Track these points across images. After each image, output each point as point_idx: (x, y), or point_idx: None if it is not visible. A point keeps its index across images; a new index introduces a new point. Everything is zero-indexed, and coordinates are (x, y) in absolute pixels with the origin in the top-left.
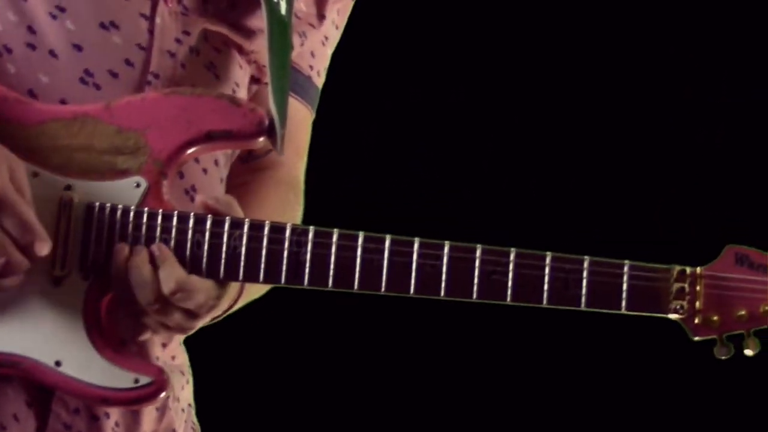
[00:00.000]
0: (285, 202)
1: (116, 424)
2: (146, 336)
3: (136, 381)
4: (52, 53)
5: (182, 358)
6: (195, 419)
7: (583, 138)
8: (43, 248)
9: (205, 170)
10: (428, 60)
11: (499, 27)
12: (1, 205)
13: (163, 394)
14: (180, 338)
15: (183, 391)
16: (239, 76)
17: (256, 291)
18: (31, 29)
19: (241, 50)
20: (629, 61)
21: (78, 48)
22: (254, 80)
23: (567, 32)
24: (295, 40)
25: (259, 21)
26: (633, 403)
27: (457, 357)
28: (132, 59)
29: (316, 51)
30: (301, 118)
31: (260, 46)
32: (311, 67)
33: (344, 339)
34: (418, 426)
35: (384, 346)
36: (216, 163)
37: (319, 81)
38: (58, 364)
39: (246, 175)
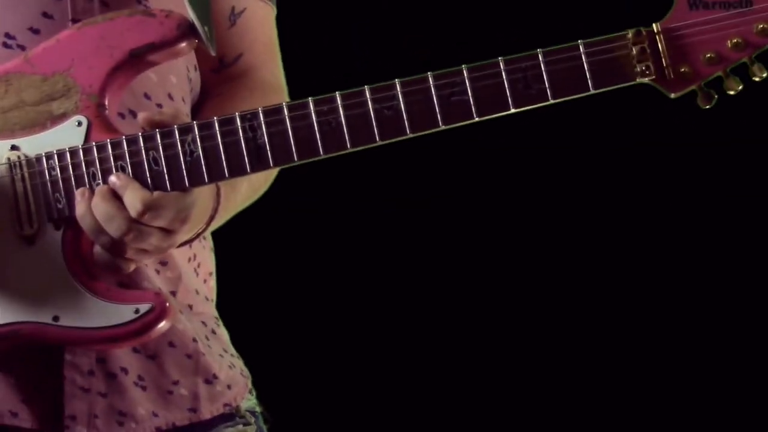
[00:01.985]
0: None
1: (139, 378)
2: (131, 268)
3: (137, 311)
4: None
5: (203, 307)
6: (244, 367)
7: None
8: None
9: (159, 105)
10: None
11: None
12: None
13: (167, 317)
14: (195, 285)
15: (210, 340)
16: None
17: (240, 201)
18: None
19: None
20: None
21: None
22: None
23: None
24: None
25: None
26: (632, 402)
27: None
28: (49, 11)
29: None
30: (262, 16)
31: None
32: None
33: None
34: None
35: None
36: (170, 97)
37: None
38: (56, 319)
39: (220, 86)
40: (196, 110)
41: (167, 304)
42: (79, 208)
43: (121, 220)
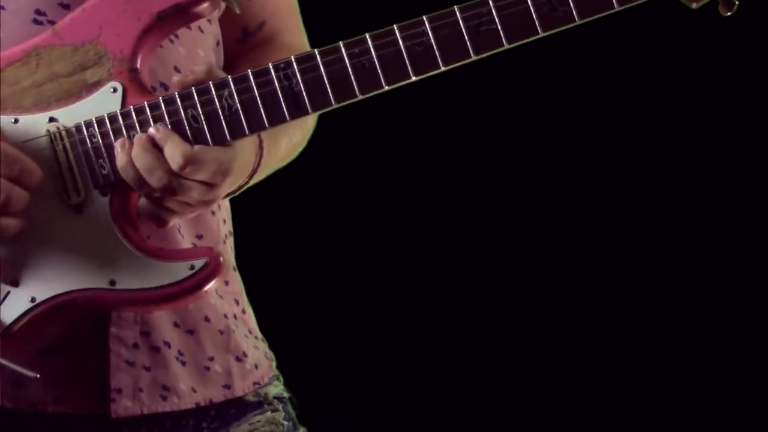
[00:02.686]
0: None
1: (179, 353)
2: (174, 221)
3: (192, 267)
4: None
5: (237, 286)
6: (268, 350)
7: None
8: (34, 173)
9: None
10: None
11: None
12: None
13: (222, 272)
14: (232, 261)
15: (237, 320)
16: None
17: (281, 157)
18: None
19: None
20: None
21: None
22: None
23: None
24: None
25: None
26: (632, 401)
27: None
28: None
29: None
30: None
31: None
32: None
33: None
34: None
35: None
36: None
37: None
38: (112, 283)
39: (247, 54)
40: None
41: (221, 259)
42: (120, 160)
43: (162, 172)
